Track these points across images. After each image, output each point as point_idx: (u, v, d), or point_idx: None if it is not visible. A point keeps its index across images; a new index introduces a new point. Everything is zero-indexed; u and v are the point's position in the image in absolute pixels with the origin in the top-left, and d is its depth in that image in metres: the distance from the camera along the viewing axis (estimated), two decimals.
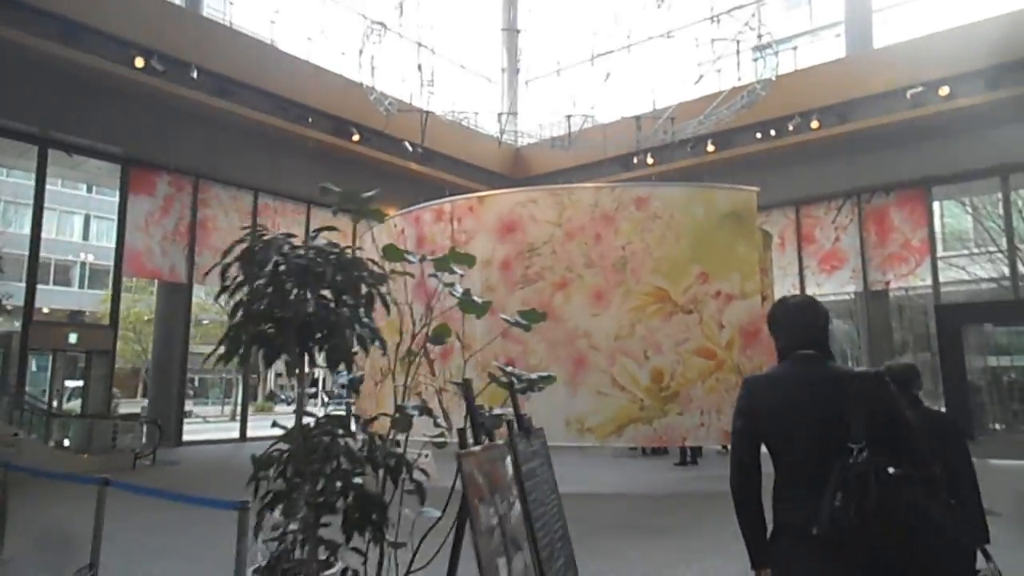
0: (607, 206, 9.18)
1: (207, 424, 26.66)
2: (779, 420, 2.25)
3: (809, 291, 17.77)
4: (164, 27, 14.12)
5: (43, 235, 13.86)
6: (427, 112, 16.92)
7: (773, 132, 17.44)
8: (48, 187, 13.90)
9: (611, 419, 8.77)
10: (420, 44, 15.16)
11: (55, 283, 30.11)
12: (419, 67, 14.04)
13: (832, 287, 17.45)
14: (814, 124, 16.74)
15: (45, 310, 25.51)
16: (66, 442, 11.00)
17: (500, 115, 17.23)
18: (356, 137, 17.36)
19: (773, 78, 15.22)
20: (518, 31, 25.56)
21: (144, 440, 11.33)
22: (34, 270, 13.12)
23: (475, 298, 3.47)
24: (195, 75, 14.29)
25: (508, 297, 9.27)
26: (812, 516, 1.99)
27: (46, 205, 13.91)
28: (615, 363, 8.86)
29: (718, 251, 9.15)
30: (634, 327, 8.91)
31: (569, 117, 18.43)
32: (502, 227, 9.48)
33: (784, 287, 17.93)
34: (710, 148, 18.24)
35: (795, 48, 22.61)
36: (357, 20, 15.98)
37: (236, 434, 16.86)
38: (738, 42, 15.32)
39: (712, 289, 9.02)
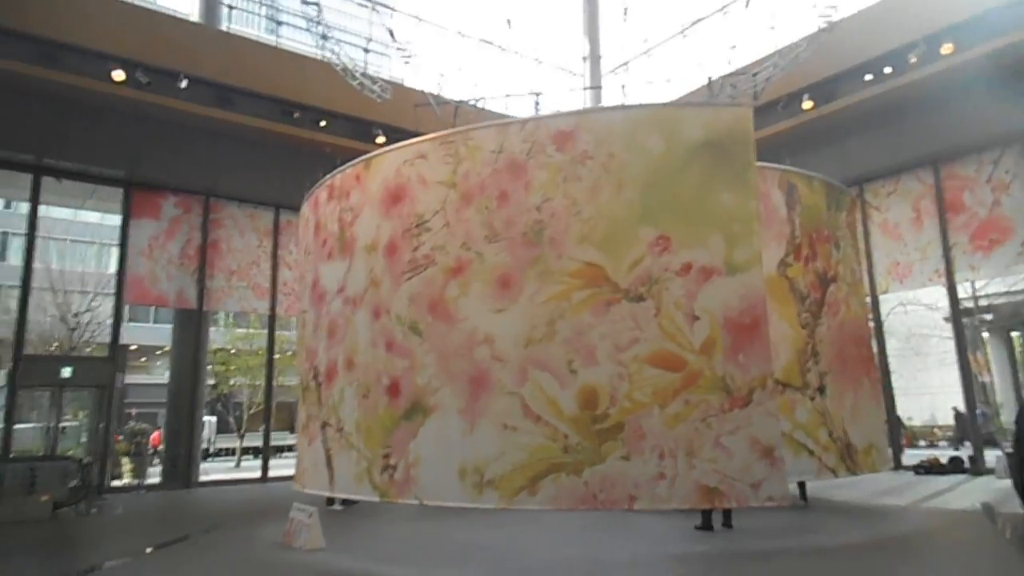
0: (515, 150, 6.32)
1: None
2: None
3: (961, 276, 13.11)
4: (146, 37, 13.29)
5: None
6: (458, 101, 14.80)
7: (889, 69, 13.14)
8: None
9: (521, 467, 5.80)
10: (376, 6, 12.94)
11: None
12: (391, 32, 11.89)
13: (993, 269, 12.67)
14: (946, 48, 12.30)
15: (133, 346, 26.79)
16: None
17: (536, 94, 14.64)
18: (381, 139, 15.58)
19: None
20: None
21: (77, 483, 10.00)
22: (25, 302, 12.62)
23: None
24: (184, 84, 13.30)
25: (394, 292, 6.69)
26: None
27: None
28: (527, 381, 5.90)
29: (686, 203, 5.92)
30: (554, 325, 5.91)
31: (625, 87, 15.42)
32: (387, 196, 6.94)
33: (924, 274, 13.44)
34: (806, 105, 14.24)
35: None
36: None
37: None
38: None
39: (677, 261, 5.80)
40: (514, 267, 6.09)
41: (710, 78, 14.63)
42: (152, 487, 13.65)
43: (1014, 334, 25.65)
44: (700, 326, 5.71)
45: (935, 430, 28.77)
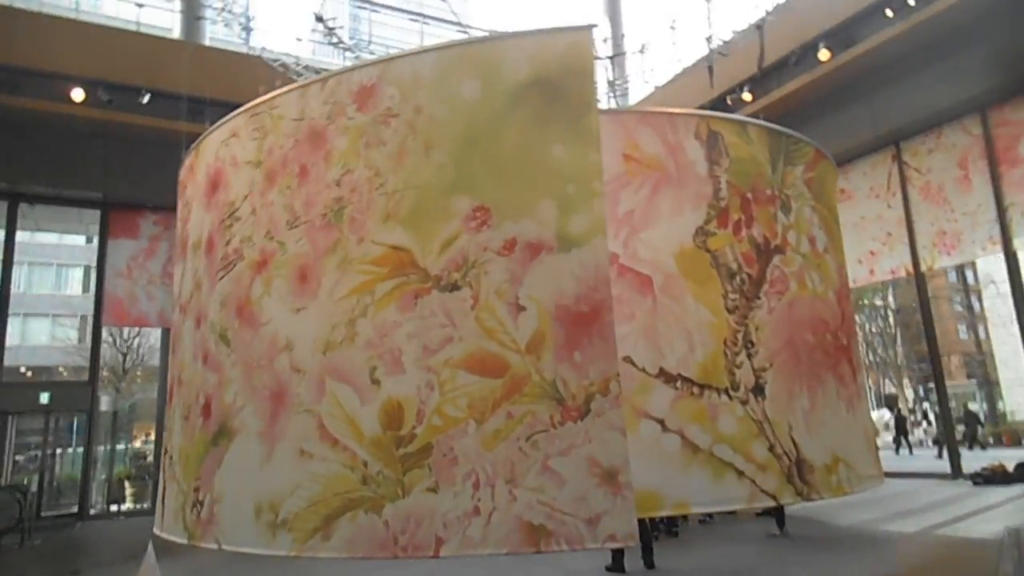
0: (316, 114, 5.21)
1: None
2: None
3: (1021, 242, 10.83)
4: (110, 55, 13.10)
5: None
6: None
7: (913, 1, 11.05)
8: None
9: (316, 503, 4.65)
10: None
11: None
12: (318, 18, 10.99)
13: None
14: None
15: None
16: None
17: None
18: None
19: None
20: None
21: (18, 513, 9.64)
22: (2, 323, 12.59)
23: None
24: (146, 100, 13.01)
25: (211, 295, 5.72)
26: None
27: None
28: (324, 395, 4.76)
29: (508, 162, 4.63)
30: (355, 326, 4.74)
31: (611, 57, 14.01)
32: (209, 185, 6.01)
33: (976, 243, 11.23)
34: (823, 55, 12.28)
35: None
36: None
37: None
38: None
39: (498, 238, 4.52)
40: (312, 257, 4.98)
41: (708, 38, 12.96)
42: (134, 512, 13.36)
43: None
44: (526, 318, 4.39)
45: None
